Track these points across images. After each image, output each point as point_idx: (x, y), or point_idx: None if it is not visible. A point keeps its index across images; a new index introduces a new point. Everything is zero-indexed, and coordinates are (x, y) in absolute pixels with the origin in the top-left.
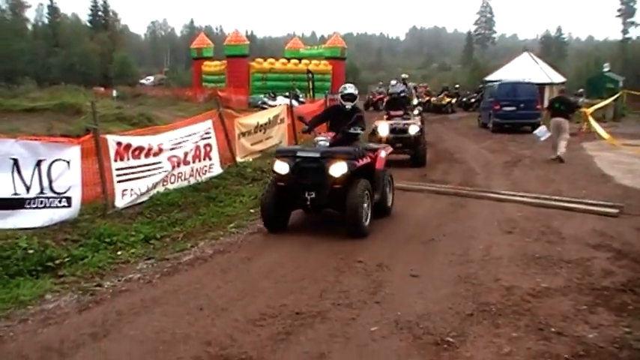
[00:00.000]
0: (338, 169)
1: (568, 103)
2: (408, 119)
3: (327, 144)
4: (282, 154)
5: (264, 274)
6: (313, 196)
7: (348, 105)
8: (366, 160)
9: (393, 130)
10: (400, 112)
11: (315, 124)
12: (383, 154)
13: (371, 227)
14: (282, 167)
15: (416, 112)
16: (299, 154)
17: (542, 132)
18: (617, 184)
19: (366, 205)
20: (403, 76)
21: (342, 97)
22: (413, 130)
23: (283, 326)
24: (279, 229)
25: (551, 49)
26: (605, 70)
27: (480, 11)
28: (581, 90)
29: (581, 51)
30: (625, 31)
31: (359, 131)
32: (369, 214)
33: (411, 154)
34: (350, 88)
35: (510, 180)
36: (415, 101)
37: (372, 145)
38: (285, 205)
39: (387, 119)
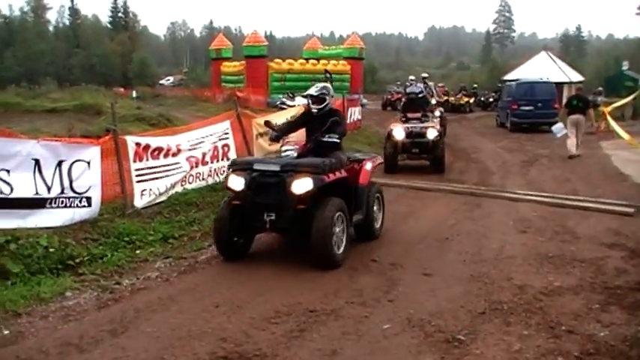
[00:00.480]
0: (301, 185)
1: (585, 100)
2: (427, 122)
3: (295, 154)
4: (236, 167)
5: (280, 273)
6: (273, 217)
7: (315, 108)
8: (339, 175)
9: (409, 135)
10: (418, 115)
11: (286, 131)
12: (368, 166)
13: (385, 226)
14: (236, 182)
15: (437, 113)
16: (256, 166)
17: (558, 129)
18: (633, 183)
19: (339, 229)
20: (423, 75)
21: (310, 99)
22: (431, 134)
23: (297, 323)
24: (236, 256)
25: (570, 47)
26: (624, 68)
27: (499, 10)
28: (599, 88)
29: (601, 49)
30: None
31: (334, 139)
32: (344, 241)
33: (429, 159)
34: (313, 89)
35: (526, 179)
36: (433, 101)
37: (357, 156)
38: (242, 228)
39: (405, 122)
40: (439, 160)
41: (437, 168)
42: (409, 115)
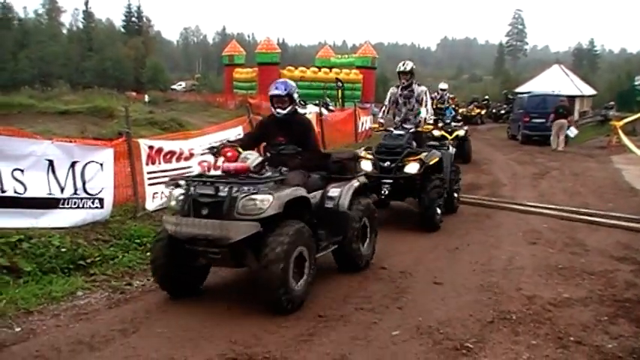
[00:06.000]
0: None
1: (568, 109)
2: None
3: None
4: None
5: None
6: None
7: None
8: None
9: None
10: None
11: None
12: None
13: (396, 236)
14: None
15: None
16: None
17: (573, 132)
18: None
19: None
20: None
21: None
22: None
23: (307, 328)
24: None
25: (583, 61)
26: (636, 83)
27: (512, 23)
28: (611, 103)
29: (614, 63)
30: None
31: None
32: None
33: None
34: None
35: (537, 192)
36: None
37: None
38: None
39: None
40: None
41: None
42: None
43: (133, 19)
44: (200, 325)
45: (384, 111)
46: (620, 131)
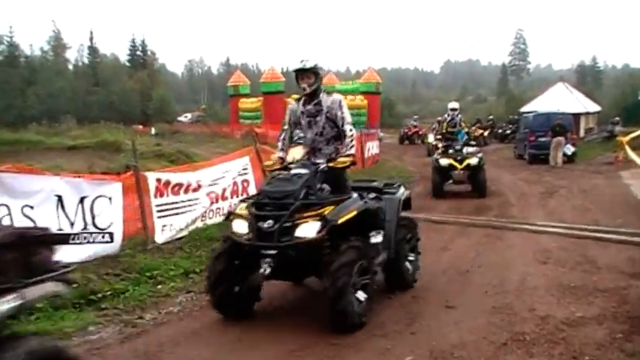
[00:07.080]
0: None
1: (564, 127)
2: None
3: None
4: None
5: (302, 306)
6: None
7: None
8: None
9: None
10: None
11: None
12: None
13: None
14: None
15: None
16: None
17: (569, 149)
18: None
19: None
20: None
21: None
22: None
23: (320, 356)
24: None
25: (586, 78)
26: None
27: (514, 43)
28: (617, 118)
29: (617, 79)
30: None
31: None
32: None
33: None
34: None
35: (546, 210)
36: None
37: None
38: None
39: None
40: None
41: None
42: None
43: (138, 52)
44: (213, 357)
45: (284, 138)
46: (626, 146)
